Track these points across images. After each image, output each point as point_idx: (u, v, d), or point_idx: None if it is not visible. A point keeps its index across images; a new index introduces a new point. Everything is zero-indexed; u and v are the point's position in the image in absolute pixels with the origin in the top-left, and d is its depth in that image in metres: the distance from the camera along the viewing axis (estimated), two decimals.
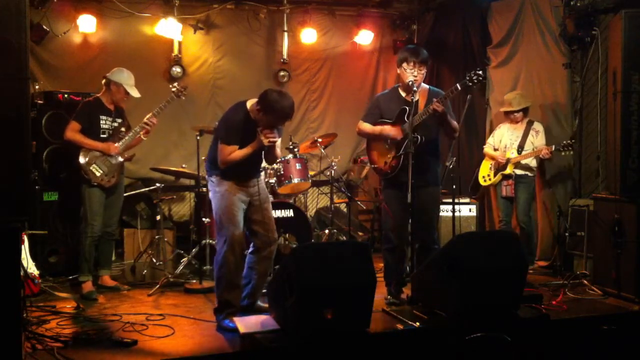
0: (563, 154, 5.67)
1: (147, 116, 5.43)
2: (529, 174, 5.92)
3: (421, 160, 4.58)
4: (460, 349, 3.88)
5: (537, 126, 5.99)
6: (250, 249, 4.53)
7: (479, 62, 7.29)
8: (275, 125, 4.26)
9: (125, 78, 5.46)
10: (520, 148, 5.91)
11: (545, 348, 4.15)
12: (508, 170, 5.92)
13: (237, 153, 4.27)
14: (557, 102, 6.38)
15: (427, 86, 4.90)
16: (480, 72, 4.55)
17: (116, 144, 5.38)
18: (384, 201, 4.95)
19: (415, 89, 4.61)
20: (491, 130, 7.09)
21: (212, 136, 4.64)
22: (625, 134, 4.97)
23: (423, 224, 4.69)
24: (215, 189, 4.39)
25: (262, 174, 4.76)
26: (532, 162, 5.92)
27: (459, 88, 4.57)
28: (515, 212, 6.02)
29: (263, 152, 4.45)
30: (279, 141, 4.40)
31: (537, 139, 5.91)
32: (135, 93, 5.50)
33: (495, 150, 6.15)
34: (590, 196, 5.78)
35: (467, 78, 4.57)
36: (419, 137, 4.63)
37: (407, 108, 4.69)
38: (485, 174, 6.16)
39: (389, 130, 4.78)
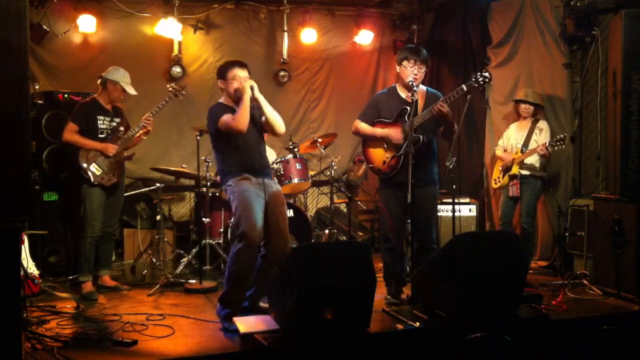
0: (556, 148, 5.62)
1: (145, 116, 5.44)
2: (534, 174, 5.85)
3: (419, 160, 4.56)
4: (460, 349, 3.88)
5: (542, 124, 5.94)
6: (261, 253, 4.47)
7: (479, 62, 7.30)
8: (238, 79, 4.40)
9: (121, 76, 5.47)
10: (525, 147, 5.85)
11: (545, 348, 4.15)
12: (513, 170, 5.89)
13: (238, 115, 4.30)
14: (557, 102, 6.38)
15: (424, 87, 4.88)
16: (487, 74, 4.54)
17: (115, 144, 5.38)
18: (382, 201, 4.95)
19: (415, 88, 4.61)
20: (491, 131, 7.12)
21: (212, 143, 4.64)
22: (625, 134, 4.96)
23: (422, 224, 4.68)
24: (233, 190, 4.35)
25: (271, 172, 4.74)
26: (537, 162, 5.84)
27: (465, 89, 4.55)
28: (519, 212, 6.00)
29: (259, 127, 4.51)
30: (259, 93, 4.39)
31: (540, 137, 5.84)
32: (132, 90, 5.50)
33: (505, 151, 6.13)
34: (590, 196, 5.77)
35: (473, 79, 4.55)
36: (421, 137, 4.63)
37: (408, 108, 4.68)
38: (496, 176, 6.13)
39: (392, 134, 4.75)
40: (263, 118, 4.51)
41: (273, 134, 4.60)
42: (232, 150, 4.38)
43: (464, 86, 4.56)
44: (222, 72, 4.51)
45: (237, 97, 4.40)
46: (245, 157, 4.37)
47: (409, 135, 4.51)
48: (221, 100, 4.58)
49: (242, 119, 4.29)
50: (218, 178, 4.73)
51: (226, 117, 4.34)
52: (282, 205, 4.51)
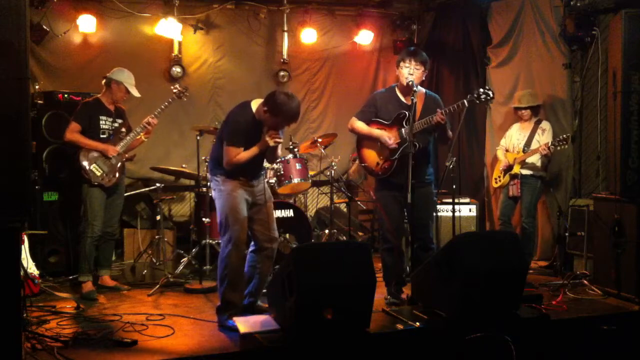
0: (559, 148, 5.62)
1: (147, 117, 5.44)
2: (535, 173, 5.85)
3: (415, 163, 4.55)
4: (460, 349, 3.87)
5: (544, 125, 5.94)
6: (251, 248, 4.55)
7: (479, 62, 7.30)
8: (281, 127, 4.34)
9: (126, 77, 5.48)
10: (527, 147, 5.85)
11: (545, 348, 4.15)
12: (515, 170, 5.89)
13: (242, 155, 4.30)
14: (557, 102, 6.38)
15: (423, 90, 4.89)
16: (490, 92, 4.61)
17: (116, 146, 5.39)
18: (379, 202, 4.95)
19: (415, 88, 4.61)
20: (491, 131, 7.12)
21: (214, 136, 4.65)
22: (625, 134, 4.97)
23: (420, 224, 4.70)
24: (220, 188, 4.39)
25: (264, 173, 4.78)
26: (538, 162, 5.84)
27: (466, 104, 4.62)
28: (520, 212, 6.00)
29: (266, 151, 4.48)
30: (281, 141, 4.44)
31: (543, 137, 5.84)
32: (135, 92, 5.51)
33: (507, 151, 6.13)
34: (590, 196, 5.78)
35: (475, 95, 4.63)
36: (417, 144, 4.64)
37: (407, 113, 4.69)
38: (497, 175, 6.14)
39: (386, 137, 4.77)
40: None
41: (268, 161, 4.69)
42: None
43: (465, 101, 4.64)
44: (275, 109, 4.20)
45: (266, 124, 4.31)
46: (245, 167, 4.38)
47: (408, 140, 4.53)
48: (253, 105, 4.39)
49: (238, 163, 4.28)
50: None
51: (233, 151, 4.26)
52: (269, 201, 4.57)
